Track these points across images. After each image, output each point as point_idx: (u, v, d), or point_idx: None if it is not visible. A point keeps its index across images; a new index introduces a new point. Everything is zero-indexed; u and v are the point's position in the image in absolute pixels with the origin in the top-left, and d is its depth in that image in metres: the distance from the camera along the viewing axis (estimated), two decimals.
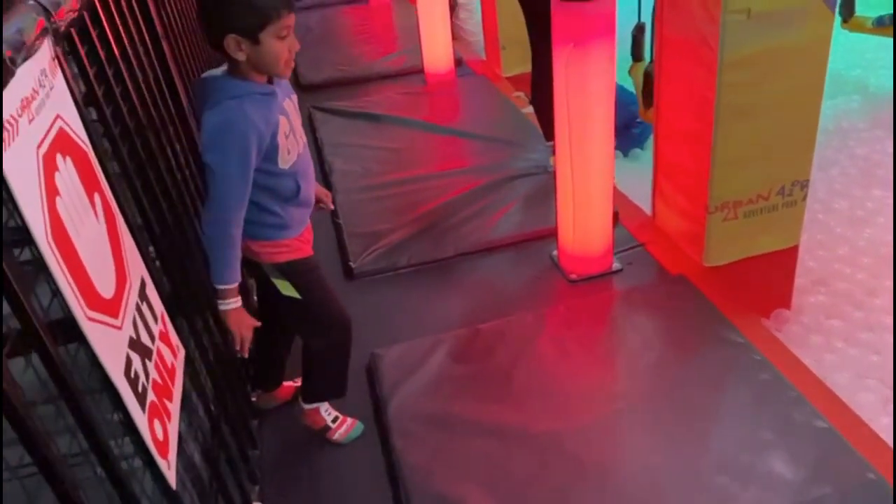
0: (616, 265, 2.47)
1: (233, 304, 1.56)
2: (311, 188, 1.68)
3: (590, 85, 2.15)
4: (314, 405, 1.89)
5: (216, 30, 1.41)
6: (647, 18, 2.91)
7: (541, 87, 2.90)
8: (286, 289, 1.66)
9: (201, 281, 1.77)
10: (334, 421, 1.92)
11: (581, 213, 2.37)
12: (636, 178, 3.18)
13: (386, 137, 3.55)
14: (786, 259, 2.52)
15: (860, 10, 4.24)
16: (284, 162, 1.53)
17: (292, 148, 1.55)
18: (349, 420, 1.94)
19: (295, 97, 1.62)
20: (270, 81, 1.52)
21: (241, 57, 1.42)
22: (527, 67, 3.11)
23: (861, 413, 1.90)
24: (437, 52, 4.11)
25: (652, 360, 2.04)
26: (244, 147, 1.42)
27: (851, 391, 2.16)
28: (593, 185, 2.32)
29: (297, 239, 1.67)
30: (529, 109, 3.46)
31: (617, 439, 1.81)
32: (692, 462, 1.71)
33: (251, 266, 1.69)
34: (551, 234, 2.56)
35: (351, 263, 2.60)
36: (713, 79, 2.21)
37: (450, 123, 3.63)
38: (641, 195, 2.85)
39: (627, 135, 3.89)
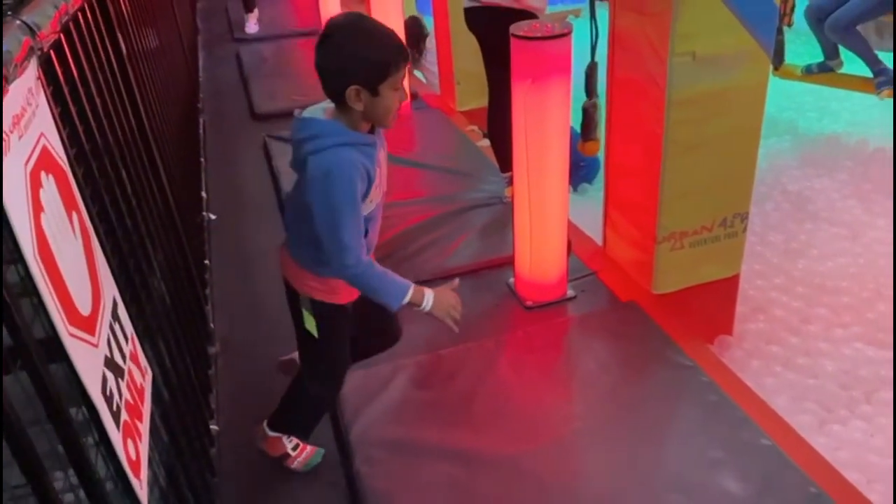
0: (570, 292, 2.55)
1: (429, 298, 1.59)
2: (376, 236, 1.68)
3: (547, 119, 2.25)
4: (278, 434, 1.88)
5: (339, 80, 1.43)
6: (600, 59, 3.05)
7: (497, 121, 3.00)
8: (309, 324, 1.67)
9: (165, 305, 1.76)
10: (294, 448, 1.91)
11: (537, 243, 2.45)
12: (586, 211, 3.30)
13: None
14: (728, 287, 2.66)
15: (788, 59, 4.56)
16: (365, 208, 1.54)
17: (375, 197, 1.57)
18: (309, 447, 1.94)
19: (386, 148, 1.63)
20: (372, 130, 1.54)
21: (358, 107, 1.45)
22: (481, 102, 3.21)
23: (800, 433, 2.02)
24: None
25: (606, 382, 2.11)
26: (346, 193, 1.45)
27: (791, 412, 2.28)
28: (549, 215, 2.41)
29: (345, 284, 1.65)
30: (484, 142, 3.56)
31: (575, 460, 1.86)
32: (647, 480, 1.78)
33: (290, 293, 1.69)
34: (508, 263, 2.63)
35: None
36: (661, 116, 2.35)
37: (406, 155, 3.69)
38: (592, 227, 2.96)
39: (576, 171, 4.04)
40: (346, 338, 1.76)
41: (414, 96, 4.36)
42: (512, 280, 2.62)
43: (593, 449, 1.88)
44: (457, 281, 1.70)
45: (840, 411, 2.35)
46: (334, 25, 1.45)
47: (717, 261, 2.60)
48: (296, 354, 1.92)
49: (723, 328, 2.70)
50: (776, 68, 4.60)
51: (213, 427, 2.02)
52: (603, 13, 2.54)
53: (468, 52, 3.17)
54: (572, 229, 2.89)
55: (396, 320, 1.91)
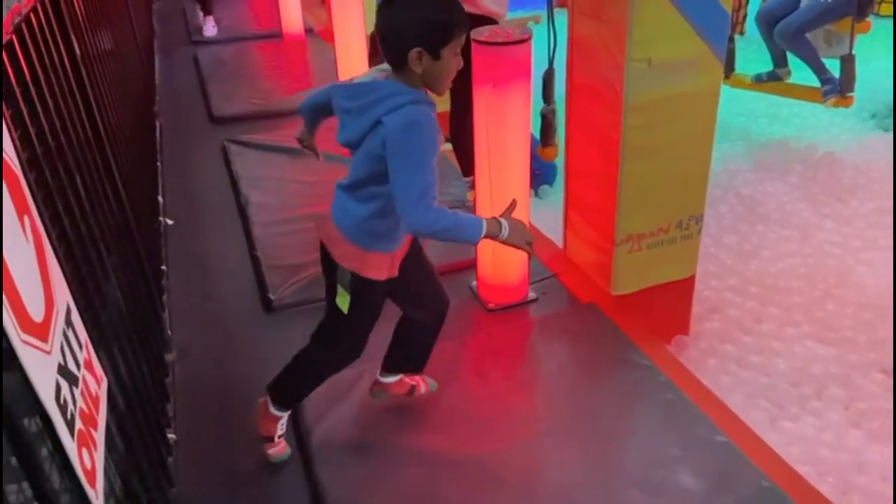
0: (531, 295, 2.58)
1: (506, 226, 1.57)
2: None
3: (507, 123, 2.27)
4: (280, 414, 1.87)
5: (403, 42, 1.44)
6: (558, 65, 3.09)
7: (459, 125, 3.02)
8: (342, 300, 1.66)
9: (120, 311, 1.72)
10: (279, 437, 1.90)
11: (499, 246, 2.45)
12: (547, 214, 3.34)
13: (303, 171, 3.54)
14: (684, 288, 2.72)
15: (739, 67, 4.70)
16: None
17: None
18: (284, 443, 1.92)
19: None
20: None
21: (419, 70, 1.47)
22: (442, 107, 3.22)
23: (754, 429, 2.08)
24: None
25: (567, 383, 2.14)
26: (429, 146, 1.47)
27: (745, 409, 2.35)
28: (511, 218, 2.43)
29: (390, 256, 1.66)
30: (447, 147, 3.58)
31: (538, 460, 1.88)
32: (607, 478, 1.81)
33: (329, 265, 1.67)
34: (470, 266, 2.65)
35: (270, 296, 2.57)
36: (618, 121, 2.39)
37: None
38: (552, 230, 3.00)
39: (534, 174, 4.08)
40: (375, 316, 1.76)
41: None
42: (474, 283, 2.64)
43: (555, 449, 1.90)
44: (515, 201, 1.70)
45: (791, 408, 2.43)
46: None
47: (673, 262, 2.66)
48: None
49: (679, 328, 2.77)
50: (727, 77, 4.73)
51: (171, 436, 1.98)
52: (562, 19, 2.58)
53: None
54: (533, 232, 2.92)
55: (439, 286, 1.90)
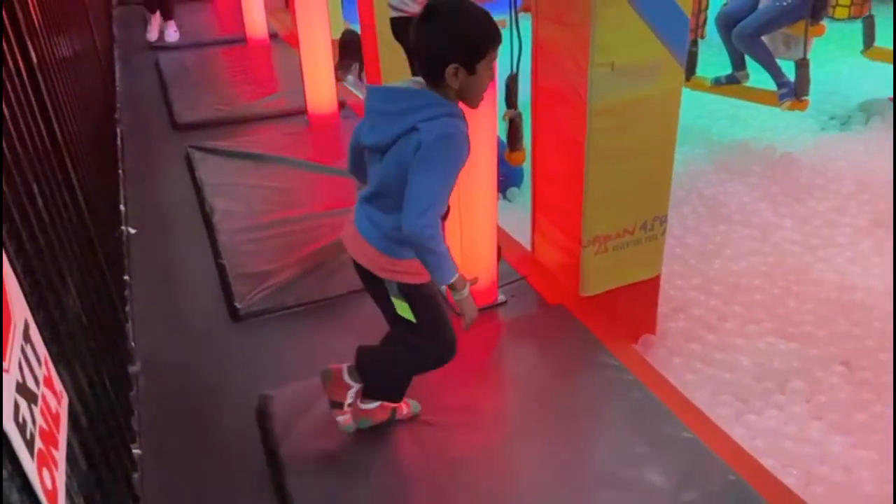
0: (501, 297, 2.60)
1: (467, 290, 1.60)
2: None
3: (474, 127, 2.27)
4: (353, 384, 1.82)
5: (441, 58, 1.48)
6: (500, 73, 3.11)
7: None
8: (403, 310, 1.65)
9: (81, 325, 1.68)
10: (349, 405, 1.85)
11: (468, 249, 2.48)
12: (515, 217, 3.37)
13: (269, 177, 3.52)
14: (650, 288, 2.76)
15: (700, 71, 4.80)
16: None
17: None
18: (359, 412, 1.89)
19: None
20: None
21: (455, 85, 1.51)
22: None
23: (720, 424, 2.12)
24: (320, 93, 4.15)
25: (537, 384, 2.15)
26: (458, 160, 1.51)
27: (710, 406, 2.39)
28: (479, 222, 2.44)
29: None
30: None
31: (509, 463, 1.89)
32: (578, 478, 1.83)
33: (371, 280, 1.67)
34: None
35: (237, 304, 2.54)
36: (583, 124, 2.42)
37: (335, 163, 3.66)
38: (520, 232, 3.02)
39: (501, 179, 4.10)
40: (443, 309, 1.75)
41: (342, 105, 4.34)
42: (444, 287, 2.64)
43: (526, 451, 1.91)
44: (477, 278, 1.72)
45: (755, 403, 2.48)
46: (436, 6, 1.50)
47: (639, 263, 2.70)
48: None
49: (646, 327, 2.80)
50: (688, 80, 4.83)
51: (136, 451, 1.95)
52: (526, 24, 2.60)
53: (397, 61, 3.19)
54: (502, 235, 2.94)
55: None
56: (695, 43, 4.69)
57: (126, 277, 2.74)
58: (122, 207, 3.25)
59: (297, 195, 3.34)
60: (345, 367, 1.85)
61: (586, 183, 2.51)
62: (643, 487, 1.79)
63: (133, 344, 2.41)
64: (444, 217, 1.63)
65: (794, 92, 4.10)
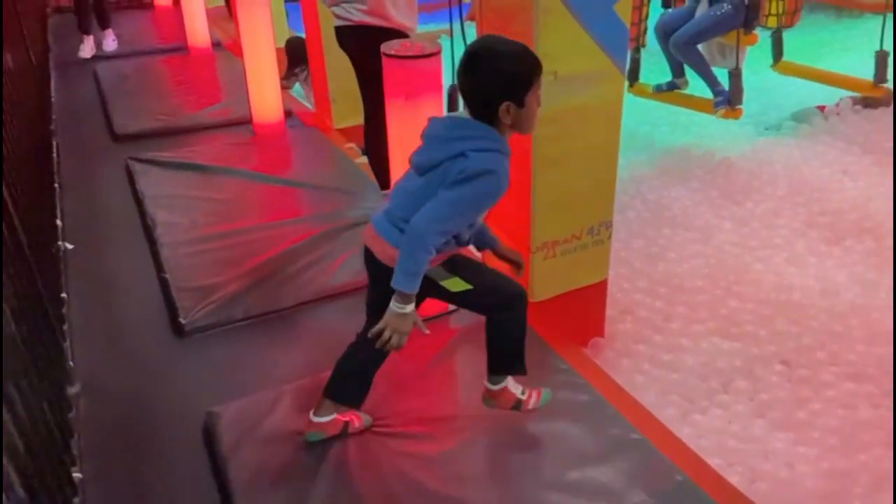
0: (452, 305, 2.59)
1: (412, 307, 1.63)
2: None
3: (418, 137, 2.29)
4: (502, 384, 1.88)
5: (493, 99, 1.53)
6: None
7: (374, 138, 3.01)
8: (456, 285, 1.69)
9: (15, 345, 1.61)
10: (523, 393, 1.93)
11: None
12: None
13: (213, 188, 3.44)
14: (597, 292, 2.81)
15: (643, 78, 4.93)
16: (482, 216, 1.67)
17: None
18: (534, 391, 1.95)
19: None
20: None
21: (507, 121, 1.56)
22: (358, 119, 3.22)
23: (667, 424, 2.16)
24: (265, 103, 4.09)
25: None
26: (492, 197, 1.57)
27: (658, 406, 2.45)
28: None
29: (453, 252, 1.74)
30: (363, 160, 3.56)
31: (462, 470, 1.89)
32: (529, 481, 1.84)
33: (381, 270, 1.69)
34: None
35: (181, 320, 2.47)
36: None
37: (281, 174, 3.62)
38: None
39: None
40: (486, 266, 1.83)
41: (288, 114, 4.28)
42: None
43: (477, 457, 1.92)
44: (426, 331, 1.76)
45: (701, 402, 2.55)
46: (476, 52, 1.57)
47: (586, 267, 2.75)
48: None
49: (595, 331, 2.85)
50: (631, 86, 4.96)
51: (77, 475, 1.87)
52: (473, 34, 2.62)
53: (344, 69, 3.17)
54: None
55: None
56: (637, 50, 4.82)
57: (63, 295, 2.64)
58: (58, 222, 3.13)
59: (243, 206, 3.28)
60: (485, 383, 1.92)
61: (533, 190, 2.54)
62: (591, 490, 1.81)
63: (72, 364, 2.32)
64: (466, 243, 1.73)
65: (729, 101, 4.25)
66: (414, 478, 1.84)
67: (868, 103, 4.89)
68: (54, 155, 3.84)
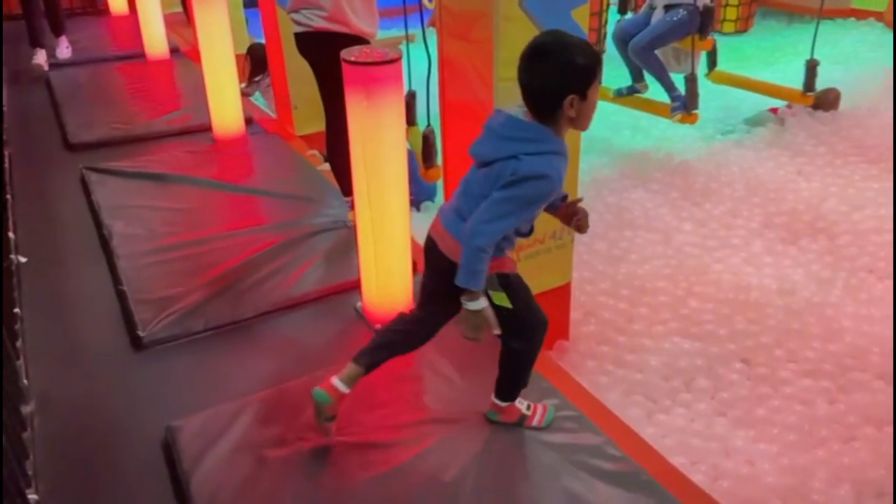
0: None
1: (481, 303, 1.68)
2: None
3: (383, 141, 2.27)
4: (509, 402, 1.96)
5: (559, 93, 1.53)
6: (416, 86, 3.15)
7: (335, 145, 2.99)
8: (501, 300, 1.73)
9: None
10: (528, 408, 1.99)
11: (382, 264, 2.46)
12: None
13: (172, 198, 3.38)
14: (561, 295, 2.84)
15: (605, 82, 5.00)
16: (537, 214, 1.68)
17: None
18: (541, 406, 2.01)
19: None
20: None
21: (572, 114, 1.56)
22: (319, 126, 3.19)
23: (631, 424, 2.19)
24: (225, 110, 4.03)
25: (453, 398, 2.15)
26: (545, 198, 1.60)
27: (622, 407, 2.48)
28: (393, 235, 2.43)
29: (511, 252, 1.80)
30: (325, 167, 3.53)
31: (424, 481, 1.88)
32: (494, 486, 1.84)
33: (442, 260, 1.74)
34: (355, 287, 2.62)
35: (139, 332, 2.41)
36: None
37: (243, 182, 3.57)
38: None
39: (412, 194, 4.12)
40: (531, 292, 1.85)
41: (249, 121, 4.23)
42: (359, 304, 2.61)
43: (440, 466, 1.91)
44: (497, 331, 1.79)
45: (664, 401, 2.59)
46: (542, 45, 1.57)
47: (550, 270, 2.77)
48: None
49: (560, 333, 2.87)
50: None
51: (32, 497, 1.81)
52: (434, 39, 2.63)
53: (305, 75, 3.14)
54: (417, 249, 2.93)
55: None
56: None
57: (17, 310, 2.55)
58: (10, 235, 3.03)
59: (203, 216, 3.23)
60: (493, 398, 1.98)
61: None
62: (556, 492, 1.82)
63: (26, 382, 2.25)
64: (527, 234, 1.76)
65: (685, 105, 4.34)
66: (380, 488, 1.82)
67: (819, 105, 5.05)
68: (5, 165, 3.73)
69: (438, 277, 1.77)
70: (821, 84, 4.74)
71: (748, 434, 2.44)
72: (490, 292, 1.75)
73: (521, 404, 2.00)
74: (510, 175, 1.57)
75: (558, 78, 1.55)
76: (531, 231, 1.79)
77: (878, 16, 6.88)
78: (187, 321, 2.47)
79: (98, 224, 3.14)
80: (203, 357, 2.36)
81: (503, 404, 1.98)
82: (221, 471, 1.87)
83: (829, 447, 2.38)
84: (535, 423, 2.01)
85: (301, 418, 2.05)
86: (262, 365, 2.33)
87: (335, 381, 1.88)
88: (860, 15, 7.04)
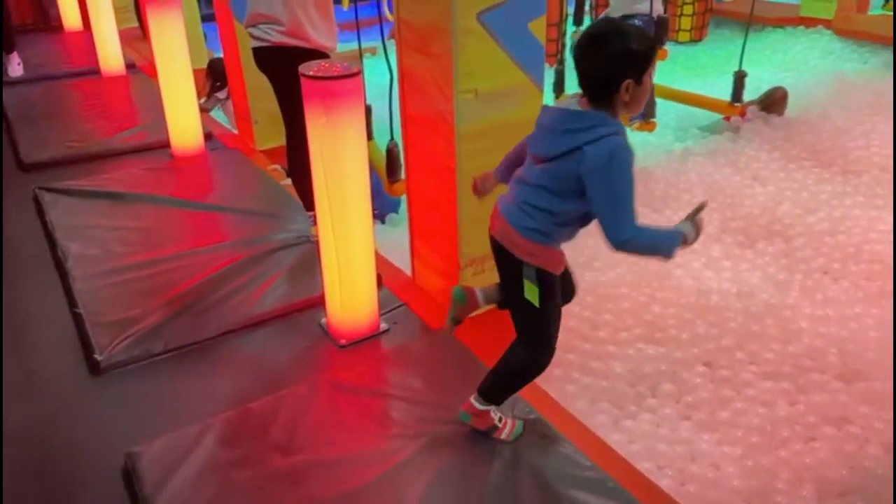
0: (383, 326, 2.57)
1: (690, 233, 1.69)
2: None
3: (344, 156, 2.26)
4: (487, 406, 1.96)
5: (617, 78, 1.59)
6: (371, 101, 3.14)
7: (296, 160, 2.97)
8: (531, 293, 1.77)
9: None
10: (500, 420, 2.00)
11: (346, 279, 2.44)
12: (394, 241, 3.37)
13: (130, 216, 3.31)
14: None
15: (569, 89, 5.09)
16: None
17: None
18: (511, 420, 2.03)
19: None
20: None
21: (627, 98, 1.61)
22: (281, 140, 3.16)
23: (598, 432, 2.20)
24: (183, 125, 3.98)
25: (421, 413, 2.14)
26: (630, 170, 1.60)
27: (589, 414, 2.49)
28: (356, 249, 2.42)
29: (563, 253, 1.83)
30: (288, 181, 3.50)
31: (398, 493, 1.86)
32: (463, 496, 1.84)
33: (508, 262, 1.79)
34: (319, 303, 2.59)
35: (96, 357, 2.35)
36: (453, 149, 2.48)
37: (203, 199, 3.51)
38: (401, 258, 3.03)
39: (376, 208, 4.11)
40: (560, 307, 1.88)
41: (208, 137, 4.18)
42: (324, 320, 2.59)
43: (410, 482, 1.89)
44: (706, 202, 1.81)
45: (630, 407, 2.60)
46: (599, 32, 1.62)
47: None
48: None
49: None
50: (557, 96, 5.12)
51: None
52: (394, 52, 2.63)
53: (265, 90, 3.12)
54: (382, 262, 2.93)
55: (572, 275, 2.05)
56: (562, 62, 4.96)
57: None
58: None
59: (162, 234, 3.16)
60: (471, 399, 1.98)
61: (459, 206, 2.56)
62: (524, 500, 1.82)
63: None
64: (587, 222, 1.77)
65: (643, 114, 4.42)
66: None
67: (768, 105, 5.18)
68: None
69: (507, 274, 1.84)
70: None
71: (713, 437, 2.47)
72: (525, 280, 1.78)
73: (494, 414, 2.00)
74: (587, 172, 1.60)
75: (615, 64, 1.60)
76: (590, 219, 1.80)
77: (827, 23, 7.10)
78: (146, 343, 2.42)
79: (52, 245, 3.06)
80: (163, 380, 2.31)
81: (481, 408, 1.97)
82: (184, 496, 1.82)
83: (790, 447, 2.42)
84: (503, 436, 2.01)
85: (266, 439, 2.02)
86: (224, 385, 2.29)
87: (477, 289, 2.02)
88: (809, 23, 7.26)
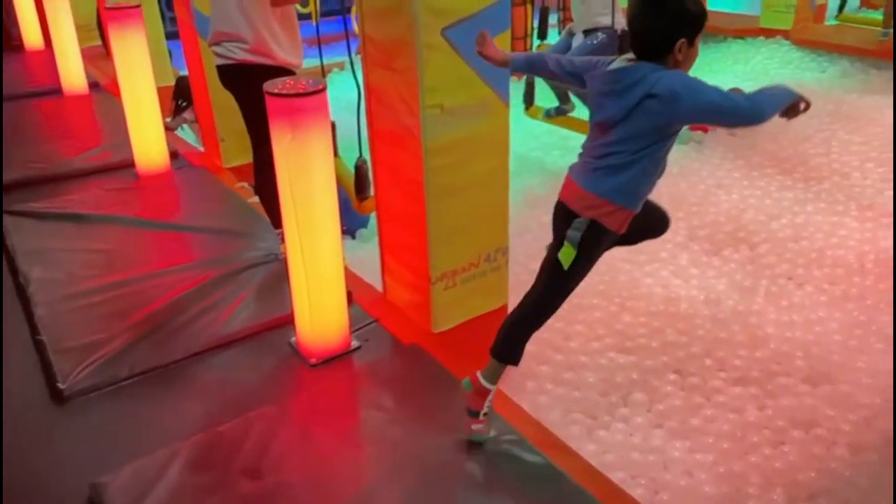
0: (354, 343, 2.55)
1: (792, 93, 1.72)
2: None
3: (311, 173, 2.25)
4: (490, 386, 1.96)
5: (671, 35, 1.66)
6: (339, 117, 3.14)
7: (263, 177, 2.94)
8: (565, 256, 1.78)
9: None
10: (485, 414, 1.99)
11: (316, 297, 2.42)
12: (365, 257, 3.36)
13: (93, 238, 3.25)
14: (498, 318, 2.83)
15: (538, 101, 5.14)
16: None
17: None
18: (489, 423, 2.02)
19: None
20: None
21: (680, 57, 1.68)
22: (248, 158, 3.13)
23: (571, 443, 2.21)
24: (148, 144, 3.92)
25: (394, 431, 2.12)
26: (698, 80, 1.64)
27: (562, 425, 2.50)
28: (325, 267, 2.40)
29: (633, 213, 1.83)
30: (256, 199, 3.47)
31: None
32: None
33: (564, 215, 1.82)
34: (289, 321, 2.56)
35: (59, 385, 2.28)
36: (420, 164, 2.48)
37: (169, 218, 3.46)
38: (371, 273, 3.01)
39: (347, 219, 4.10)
40: (585, 275, 1.90)
41: (174, 155, 4.13)
42: (294, 339, 2.56)
43: (386, 497, 1.87)
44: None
45: (603, 417, 2.62)
46: None
47: (486, 294, 2.78)
48: None
49: None
50: (527, 109, 5.18)
51: None
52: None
53: (231, 107, 3.09)
54: (352, 278, 2.91)
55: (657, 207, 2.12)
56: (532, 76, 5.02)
57: None
58: None
59: (127, 256, 3.11)
60: (479, 372, 1.97)
61: (428, 220, 2.56)
62: None
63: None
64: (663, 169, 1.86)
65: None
66: None
67: None
68: None
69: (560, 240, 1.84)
70: None
71: (685, 444, 2.49)
72: (567, 242, 1.79)
73: (488, 402, 2.00)
74: (671, 93, 1.62)
75: (671, 23, 1.67)
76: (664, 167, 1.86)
77: (786, 34, 7.29)
78: (111, 369, 2.36)
79: (13, 271, 2.98)
80: (129, 405, 2.26)
81: (484, 384, 1.97)
82: None
83: (760, 452, 2.45)
84: (478, 427, 2.02)
85: (236, 462, 1.98)
86: (192, 409, 2.25)
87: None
88: (768, 34, 7.45)
